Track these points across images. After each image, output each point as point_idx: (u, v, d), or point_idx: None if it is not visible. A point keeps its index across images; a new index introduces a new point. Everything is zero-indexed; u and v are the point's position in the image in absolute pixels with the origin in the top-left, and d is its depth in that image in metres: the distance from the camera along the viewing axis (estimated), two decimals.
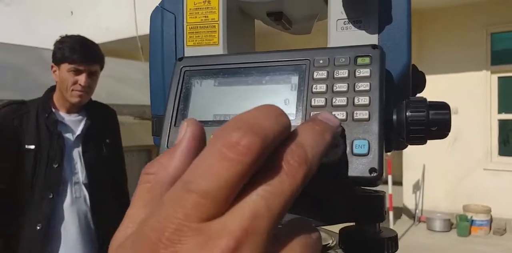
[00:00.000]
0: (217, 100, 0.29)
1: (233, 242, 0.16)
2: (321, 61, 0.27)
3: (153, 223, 0.17)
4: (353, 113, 0.25)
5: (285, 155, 0.19)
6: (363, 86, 0.26)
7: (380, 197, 0.32)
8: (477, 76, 5.04)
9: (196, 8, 0.34)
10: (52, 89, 1.55)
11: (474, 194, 4.93)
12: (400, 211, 5.48)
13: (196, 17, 0.34)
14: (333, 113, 0.26)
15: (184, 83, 0.30)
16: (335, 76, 0.27)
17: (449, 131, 0.27)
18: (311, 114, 0.26)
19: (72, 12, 7.14)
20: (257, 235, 0.17)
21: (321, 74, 0.27)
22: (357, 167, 0.25)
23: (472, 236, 4.56)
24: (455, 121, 5.30)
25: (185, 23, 0.34)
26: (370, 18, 0.30)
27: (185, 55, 0.34)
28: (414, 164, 5.33)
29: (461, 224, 4.59)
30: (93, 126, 1.53)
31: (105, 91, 3.84)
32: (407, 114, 0.27)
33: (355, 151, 0.25)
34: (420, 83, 0.35)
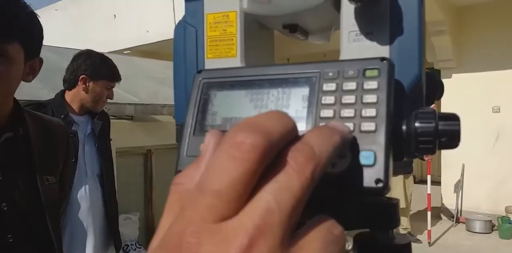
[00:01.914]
0: (228, 105, 0.31)
1: (247, 240, 0.17)
2: (330, 74, 0.28)
3: (175, 227, 0.18)
4: (360, 124, 0.26)
5: (292, 152, 0.20)
6: (370, 98, 0.27)
7: (393, 204, 0.32)
8: None
9: (215, 22, 0.36)
10: (63, 92, 1.82)
11: None
12: (439, 212, 5.32)
13: (215, 30, 0.36)
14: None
15: (203, 94, 0.32)
16: (343, 88, 0.28)
17: (459, 142, 0.27)
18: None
19: (115, 16, 7.38)
20: (270, 231, 0.17)
21: (330, 86, 0.28)
22: (363, 178, 0.25)
23: None
24: (497, 119, 5.10)
25: (205, 36, 0.36)
26: (381, 29, 0.31)
27: (206, 66, 0.36)
28: (453, 164, 5.17)
29: (503, 226, 4.41)
30: (102, 126, 1.83)
31: (145, 92, 3.96)
32: (416, 125, 0.27)
33: (362, 161, 0.26)
34: (437, 91, 0.35)
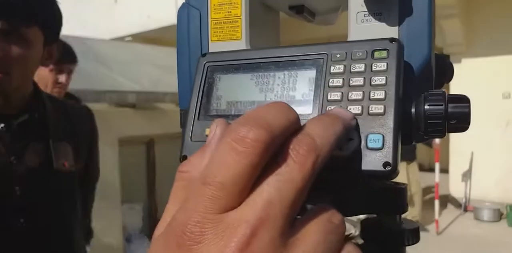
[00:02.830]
0: (233, 89, 0.30)
1: (249, 230, 0.18)
2: (338, 55, 0.28)
3: (178, 217, 0.19)
4: (368, 107, 0.26)
5: (293, 144, 0.20)
6: (379, 80, 0.26)
7: (401, 189, 0.32)
8: None
9: (220, 4, 0.35)
10: None
11: None
12: (446, 200, 5.31)
13: (220, 12, 0.35)
14: (349, 107, 0.26)
15: (207, 78, 0.31)
16: (351, 70, 0.27)
17: (469, 124, 0.27)
18: (328, 109, 0.27)
19: (116, 1, 7.33)
20: (271, 222, 0.18)
21: (338, 68, 0.27)
22: (371, 161, 0.25)
23: None
24: (508, 105, 5.03)
25: (209, 18, 0.35)
26: (390, 10, 0.30)
27: (210, 50, 0.35)
28: (461, 151, 5.13)
29: (511, 214, 4.39)
30: None
31: (147, 79, 3.96)
32: (425, 107, 0.27)
33: (370, 145, 0.25)
34: (447, 74, 0.34)
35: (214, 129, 0.23)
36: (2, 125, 0.89)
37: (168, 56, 4.65)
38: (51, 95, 1.07)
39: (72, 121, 1.05)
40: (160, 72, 4.26)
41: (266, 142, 0.19)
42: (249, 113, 0.21)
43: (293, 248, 0.18)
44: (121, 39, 6.66)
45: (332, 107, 0.26)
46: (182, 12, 0.36)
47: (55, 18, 0.94)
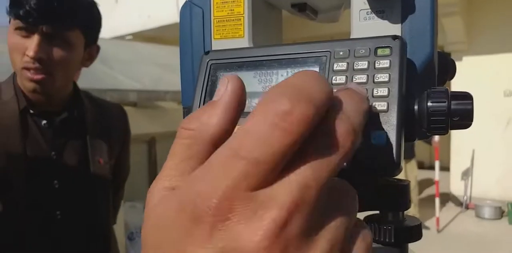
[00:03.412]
0: None
1: (285, 213, 0.16)
2: (341, 53, 0.28)
3: (199, 189, 0.17)
4: (371, 104, 0.26)
5: (333, 124, 0.18)
6: (382, 77, 0.26)
7: (404, 186, 0.32)
8: None
9: (222, 2, 0.35)
10: None
11: None
12: (447, 198, 5.32)
13: (222, 10, 0.35)
14: None
15: (210, 76, 0.31)
16: (354, 67, 0.27)
17: (472, 121, 0.27)
18: None
19: (117, 1, 7.32)
20: (305, 206, 0.17)
21: (341, 65, 0.27)
22: (375, 158, 0.25)
23: None
24: (509, 103, 5.01)
25: (212, 16, 0.35)
26: (393, 8, 0.30)
27: (213, 48, 0.35)
28: (462, 149, 5.13)
29: None
30: None
31: (148, 78, 3.96)
32: (428, 104, 0.27)
33: (373, 142, 0.25)
34: (449, 71, 0.34)
35: (225, 85, 0.20)
36: (45, 121, 0.95)
37: (169, 55, 4.65)
38: (89, 94, 1.10)
39: (108, 119, 1.09)
40: (161, 70, 4.26)
41: (311, 119, 0.17)
42: (289, 82, 0.18)
43: (321, 229, 0.18)
44: (121, 38, 6.66)
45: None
46: (185, 10, 0.36)
47: (95, 21, 0.99)
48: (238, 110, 0.20)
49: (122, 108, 1.19)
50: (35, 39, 0.85)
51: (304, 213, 0.17)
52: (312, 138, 0.18)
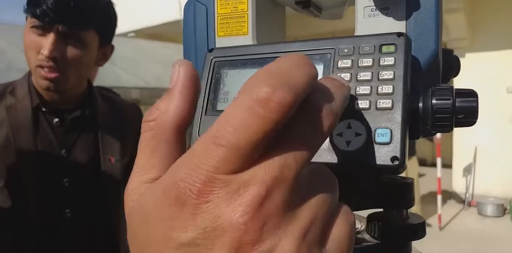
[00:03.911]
0: (240, 84, 0.30)
1: (264, 190, 0.17)
2: (345, 50, 0.28)
3: (182, 175, 0.18)
4: (376, 101, 0.26)
5: (314, 105, 0.19)
6: (387, 74, 0.26)
7: (408, 184, 0.32)
8: None
9: None
10: None
11: None
12: (449, 195, 5.31)
13: (226, 8, 0.35)
14: (357, 101, 0.26)
15: (214, 73, 0.31)
16: (359, 64, 0.27)
17: (477, 119, 0.27)
18: None
19: None
20: (285, 183, 0.17)
21: (346, 63, 0.27)
22: (380, 156, 0.25)
23: None
24: (511, 100, 4.98)
25: (216, 14, 0.35)
26: (397, 4, 0.30)
27: (216, 45, 0.35)
28: (465, 146, 5.12)
29: None
30: None
31: (151, 75, 3.96)
32: (432, 102, 0.27)
33: (378, 139, 0.25)
34: (453, 68, 0.34)
35: (177, 71, 0.21)
36: (57, 119, 0.95)
37: (171, 52, 4.64)
38: (104, 92, 1.10)
39: (121, 118, 1.08)
40: (163, 67, 4.25)
41: (290, 105, 0.17)
42: (270, 69, 0.19)
43: (301, 206, 0.18)
44: (124, 35, 6.66)
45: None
46: (189, 7, 0.36)
47: (111, 21, 1.00)
48: (193, 91, 0.21)
49: (138, 108, 1.18)
50: (50, 38, 0.86)
51: (283, 189, 0.17)
52: (293, 119, 0.18)
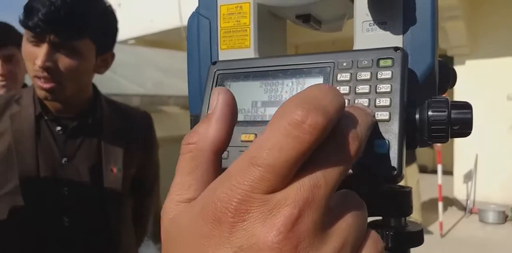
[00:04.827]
0: (242, 96, 0.31)
1: (296, 210, 0.18)
2: (344, 64, 0.29)
3: (219, 194, 0.19)
4: (374, 114, 0.27)
5: (343, 132, 0.20)
6: (384, 87, 0.27)
7: (406, 192, 0.33)
8: None
9: (229, 14, 0.36)
10: None
11: None
12: (451, 202, 5.29)
13: (229, 21, 0.36)
14: None
15: (217, 86, 0.32)
16: (357, 78, 0.28)
17: (471, 130, 0.28)
18: None
19: (120, 5, 7.37)
20: (316, 204, 0.18)
21: (345, 76, 0.28)
22: (378, 166, 0.26)
23: None
24: (510, 108, 4.97)
25: (219, 27, 0.36)
26: (394, 19, 0.31)
27: (219, 58, 0.36)
28: (466, 153, 5.11)
29: None
30: None
31: (151, 82, 3.98)
32: (429, 113, 0.28)
33: (376, 150, 0.26)
34: (450, 80, 0.35)
35: (217, 97, 0.23)
36: (59, 128, 0.95)
37: (171, 59, 4.66)
38: (111, 100, 1.09)
39: (128, 126, 1.07)
40: (163, 75, 4.27)
41: (323, 128, 0.19)
42: (304, 94, 0.20)
43: (332, 228, 0.19)
44: (124, 42, 6.70)
45: None
46: (192, 21, 0.38)
47: (109, 29, 0.99)
48: (231, 119, 0.22)
49: (148, 116, 1.16)
50: (43, 48, 0.87)
51: (314, 210, 0.18)
52: (324, 144, 0.20)
